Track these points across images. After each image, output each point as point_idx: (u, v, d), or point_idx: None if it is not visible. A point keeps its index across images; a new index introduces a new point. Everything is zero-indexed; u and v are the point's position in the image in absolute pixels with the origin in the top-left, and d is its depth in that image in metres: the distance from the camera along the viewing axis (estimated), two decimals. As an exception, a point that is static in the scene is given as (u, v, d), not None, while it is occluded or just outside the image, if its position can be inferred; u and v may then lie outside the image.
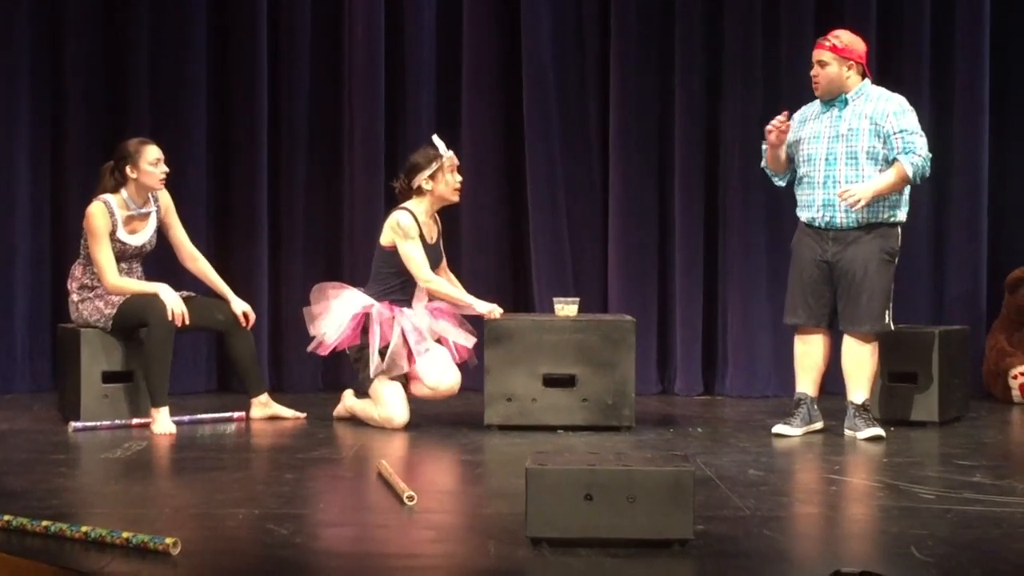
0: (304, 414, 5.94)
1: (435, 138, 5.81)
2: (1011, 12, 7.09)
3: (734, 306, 6.99)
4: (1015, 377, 6.70)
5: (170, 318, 5.51)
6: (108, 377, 5.72)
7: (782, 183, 5.75)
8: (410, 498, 3.98)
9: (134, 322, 5.63)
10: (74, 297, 5.71)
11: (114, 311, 5.63)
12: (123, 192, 5.68)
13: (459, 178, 5.78)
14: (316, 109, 7.07)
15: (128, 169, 5.65)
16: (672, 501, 3.37)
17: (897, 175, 5.34)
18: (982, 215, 7.03)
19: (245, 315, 5.84)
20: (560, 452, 4.35)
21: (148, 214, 5.76)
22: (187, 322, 5.57)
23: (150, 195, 5.76)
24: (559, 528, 3.38)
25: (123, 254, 5.68)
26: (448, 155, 5.74)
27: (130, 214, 5.69)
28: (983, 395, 6.78)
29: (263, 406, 5.89)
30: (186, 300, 5.69)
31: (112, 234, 5.62)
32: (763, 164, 5.78)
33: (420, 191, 5.73)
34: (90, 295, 5.68)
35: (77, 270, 5.73)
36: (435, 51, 7.09)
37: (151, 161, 5.66)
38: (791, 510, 3.95)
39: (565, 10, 7.05)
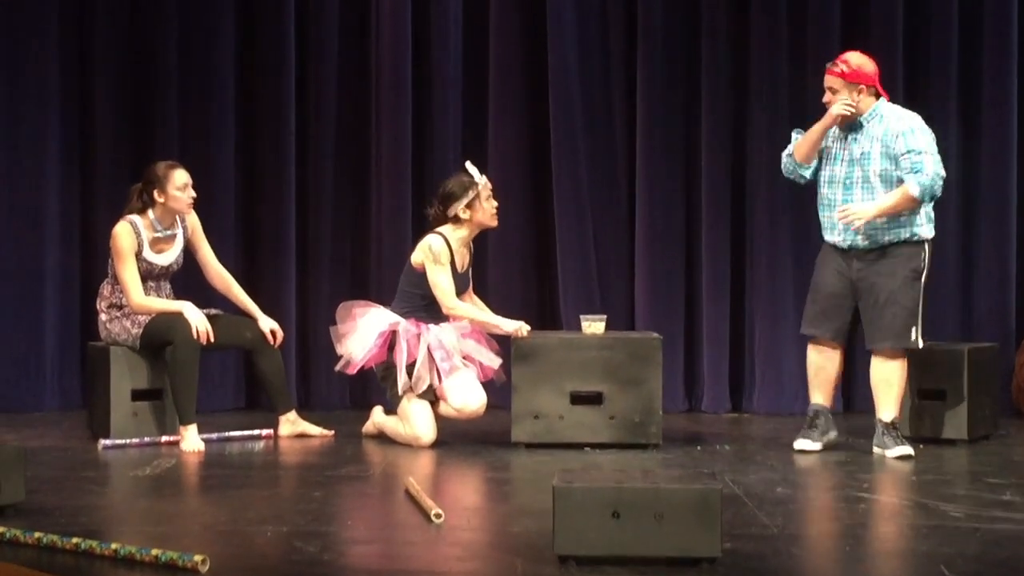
0: (332, 432, 5.95)
1: (469, 165, 5.81)
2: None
3: (761, 323, 6.97)
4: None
5: (195, 336, 5.54)
6: (137, 395, 5.75)
7: (807, 174, 5.69)
8: (437, 515, 3.99)
9: (160, 341, 5.66)
10: (103, 316, 5.75)
11: (141, 330, 5.66)
12: (150, 213, 5.71)
13: (495, 203, 5.79)
14: (343, 128, 7.08)
15: (156, 193, 5.68)
16: (699, 519, 3.36)
17: (902, 195, 5.34)
18: (1011, 231, 6.99)
19: (273, 333, 5.86)
20: (587, 470, 4.36)
21: (174, 235, 5.79)
22: (212, 340, 5.59)
23: (177, 217, 5.79)
24: (586, 546, 3.38)
25: (150, 273, 5.71)
26: (483, 182, 5.75)
27: (156, 235, 5.72)
28: (1012, 412, 6.74)
29: (291, 423, 5.90)
30: (213, 318, 5.71)
31: (138, 254, 5.66)
32: (788, 153, 5.70)
33: (457, 219, 5.74)
34: (118, 314, 5.71)
35: (105, 289, 5.77)
36: (461, 70, 7.10)
37: (179, 186, 5.70)
38: (819, 528, 3.93)
39: (591, 32, 7.05)
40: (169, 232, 5.76)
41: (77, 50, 6.96)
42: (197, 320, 5.58)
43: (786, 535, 3.82)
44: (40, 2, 6.84)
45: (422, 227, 5.91)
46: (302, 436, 5.88)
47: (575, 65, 7.02)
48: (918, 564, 3.51)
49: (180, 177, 5.71)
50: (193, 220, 5.87)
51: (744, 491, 4.51)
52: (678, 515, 3.36)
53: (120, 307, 5.71)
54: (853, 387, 7.04)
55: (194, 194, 5.75)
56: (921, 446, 5.65)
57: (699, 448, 5.68)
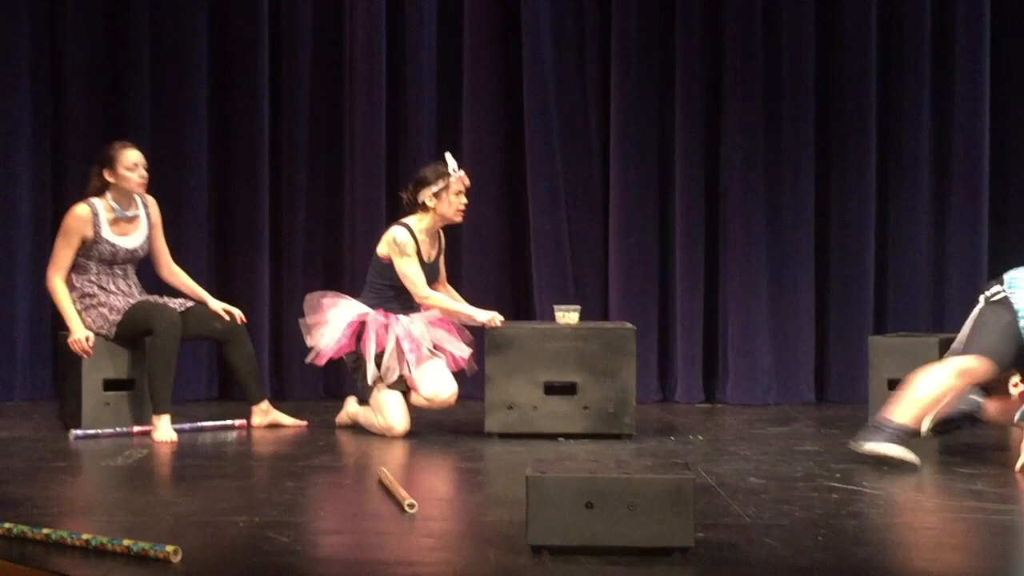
0: (305, 422, 5.93)
1: (448, 156, 5.79)
2: (1011, 21, 7.10)
3: (735, 315, 6.98)
4: (1015, 385, 6.67)
5: (75, 350, 5.54)
6: (109, 385, 5.73)
7: None
8: (411, 506, 3.98)
9: (139, 330, 5.64)
10: (78, 306, 5.71)
11: (120, 317, 5.64)
12: (108, 196, 5.69)
13: (464, 200, 5.76)
14: (317, 120, 7.07)
15: (107, 173, 5.67)
16: (673, 509, 3.36)
17: None
18: (982, 223, 7.03)
19: (227, 312, 5.81)
20: (561, 460, 4.34)
21: (136, 217, 5.76)
22: (90, 354, 5.57)
23: (137, 199, 5.76)
24: (560, 536, 3.38)
25: (115, 257, 5.68)
26: (457, 175, 5.73)
27: (116, 216, 5.69)
28: (983, 403, 6.76)
29: (263, 413, 5.88)
30: (185, 311, 5.70)
31: (97, 237, 5.62)
32: None
33: (424, 207, 5.73)
34: (92, 303, 5.68)
35: (72, 279, 5.73)
36: (435, 60, 7.09)
37: (128, 165, 5.67)
38: (791, 518, 3.94)
39: (566, 24, 7.05)
40: (129, 213, 5.73)
41: (49, 43, 6.93)
42: (80, 338, 5.56)
43: (759, 525, 3.83)
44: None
45: (395, 218, 5.89)
46: (275, 426, 5.86)
47: (549, 57, 7.02)
48: (890, 553, 3.52)
49: (131, 156, 5.69)
50: (156, 213, 5.85)
51: (717, 481, 4.52)
52: (651, 505, 3.36)
53: (93, 295, 5.68)
54: (825, 378, 7.07)
55: (145, 174, 5.72)
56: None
57: (672, 438, 5.69)
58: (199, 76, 6.94)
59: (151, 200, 5.85)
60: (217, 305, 5.84)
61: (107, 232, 5.67)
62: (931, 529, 3.83)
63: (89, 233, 5.64)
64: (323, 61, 7.07)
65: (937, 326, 6.94)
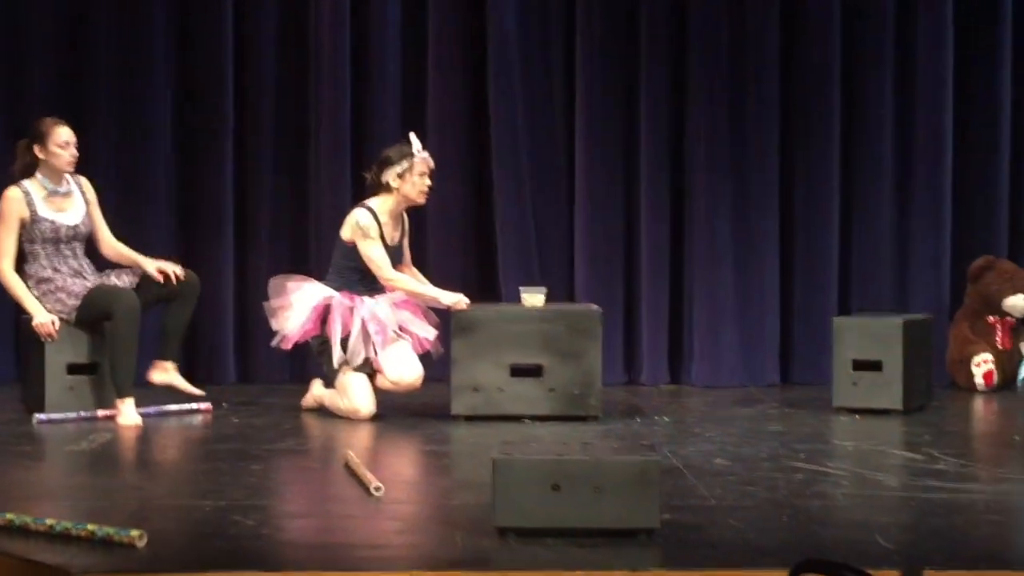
0: (203, 395, 5.86)
1: (412, 136, 5.77)
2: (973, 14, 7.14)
3: (700, 296, 7.00)
4: (978, 365, 6.74)
5: (41, 334, 5.51)
6: (73, 369, 5.69)
7: None
8: (377, 489, 3.98)
9: (99, 313, 5.60)
10: (35, 292, 5.66)
11: (79, 302, 5.60)
12: (38, 175, 5.65)
13: (428, 182, 5.75)
14: (281, 100, 7.01)
15: (36, 148, 5.62)
16: (638, 491, 3.38)
17: None
18: (945, 205, 7.07)
19: (162, 271, 5.75)
20: (527, 442, 4.35)
21: (70, 193, 5.72)
22: (55, 337, 5.54)
23: (68, 177, 5.72)
24: (526, 518, 3.39)
25: (58, 234, 5.63)
26: (422, 156, 5.71)
27: (48, 193, 5.65)
28: (946, 383, 6.82)
29: (164, 371, 5.81)
30: (137, 286, 5.68)
31: (35, 216, 5.59)
32: None
33: (387, 188, 5.71)
34: (49, 288, 5.64)
35: (26, 269, 5.67)
36: (400, 40, 7.05)
37: (60, 143, 5.62)
38: (757, 499, 3.96)
39: (531, 3, 7.03)
40: (61, 189, 5.68)
41: (10, 20, 6.85)
42: (45, 322, 5.52)
43: (724, 506, 3.85)
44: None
45: (360, 200, 5.87)
46: (170, 388, 5.79)
47: (515, 38, 6.99)
48: (853, 533, 3.54)
49: (62, 134, 5.63)
50: (91, 191, 5.81)
51: (683, 463, 4.54)
52: (617, 487, 3.37)
53: (50, 280, 5.64)
54: (790, 359, 7.10)
55: (76, 153, 5.67)
56: (857, 416, 5.72)
57: (638, 420, 5.71)
58: (161, 56, 6.88)
59: (84, 179, 5.81)
60: (151, 268, 5.74)
61: (44, 210, 5.62)
62: (894, 509, 3.85)
63: (26, 213, 5.59)
64: (287, 43, 7.01)
65: (901, 306, 6.98)
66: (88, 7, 6.85)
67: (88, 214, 5.77)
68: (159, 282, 5.71)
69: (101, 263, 5.89)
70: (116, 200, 6.43)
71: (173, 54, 6.94)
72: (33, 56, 6.83)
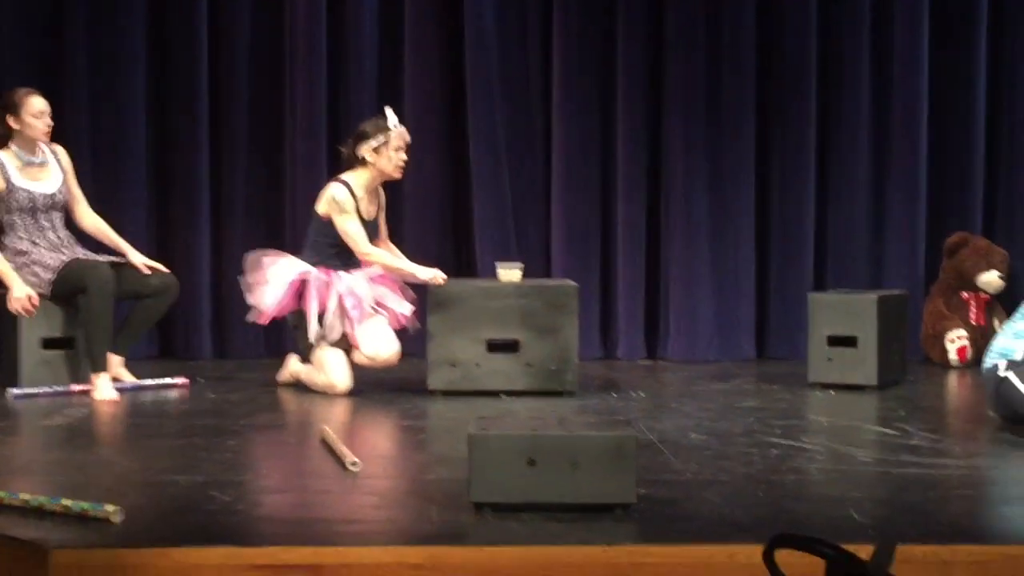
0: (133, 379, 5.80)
1: (388, 110, 5.76)
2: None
3: (676, 272, 7.02)
4: (952, 341, 6.78)
5: (14, 311, 5.48)
6: (48, 343, 5.67)
7: None
8: (353, 464, 3.98)
9: (72, 288, 5.57)
10: (11, 265, 5.63)
11: (54, 276, 5.57)
12: (11, 145, 5.62)
13: (404, 157, 5.73)
14: (257, 74, 6.99)
15: (11, 119, 5.59)
16: (614, 466, 3.38)
17: None
18: (920, 182, 7.09)
19: (148, 266, 5.74)
20: (503, 417, 4.36)
21: (45, 163, 5.69)
22: (32, 312, 5.51)
23: (44, 148, 5.69)
24: (502, 493, 3.39)
25: (34, 203, 5.61)
26: (397, 130, 5.69)
27: (23, 163, 5.62)
28: (921, 359, 6.86)
29: (117, 365, 5.74)
30: (119, 266, 5.65)
31: (9, 184, 5.56)
32: None
33: (363, 162, 5.69)
34: (26, 260, 5.61)
35: (3, 240, 5.64)
36: (377, 14, 7.03)
37: (34, 113, 5.60)
38: (732, 473, 3.98)
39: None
40: (36, 159, 5.65)
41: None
42: (21, 296, 5.48)
43: (700, 481, 3.86)
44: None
45: (336, 174, 5.85)
46: (115, 379, 5.71)
47: (491, 12, 6.98)
48: (828, 508, 3.56)
49: (37, 104, 5.61)
50: (67, 160, 5.79)
51: (658, 438, 4.55)
52: (593, 462, 3.38)
53: (26, 252, 5.61)
54: (766, 335, 7.13)
55: (51, 122, 5.65)
56: (832, 392, 5.74)
57: (614, 395, 5.72)
58: (135, 30, 6.84)
59: (59, 148, 5.79)
60: (139, 260, 5.74)
61: (18, 179, 5.59)
62: (868, 484, 3.87)
63: (1, 184, 5.56)
64: (263, 15, 6.98)
65: (875, 283, 7.01)
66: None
67: (65, 183, 5.74)
68: (143, 274, 5.69)
69: (88, 243, 5.84)
70: (92, 179, 6.40)
71: (148, 31, 6.90)
72: (8, 35, 6.78)
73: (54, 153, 5.75)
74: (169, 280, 5.77)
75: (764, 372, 6.49)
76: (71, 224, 5.84)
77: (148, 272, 5.71)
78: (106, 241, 5.82)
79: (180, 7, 6.89)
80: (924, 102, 7.07)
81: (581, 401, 5.51)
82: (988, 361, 4.79)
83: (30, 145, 5.64)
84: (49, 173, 5.70)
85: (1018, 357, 4.67)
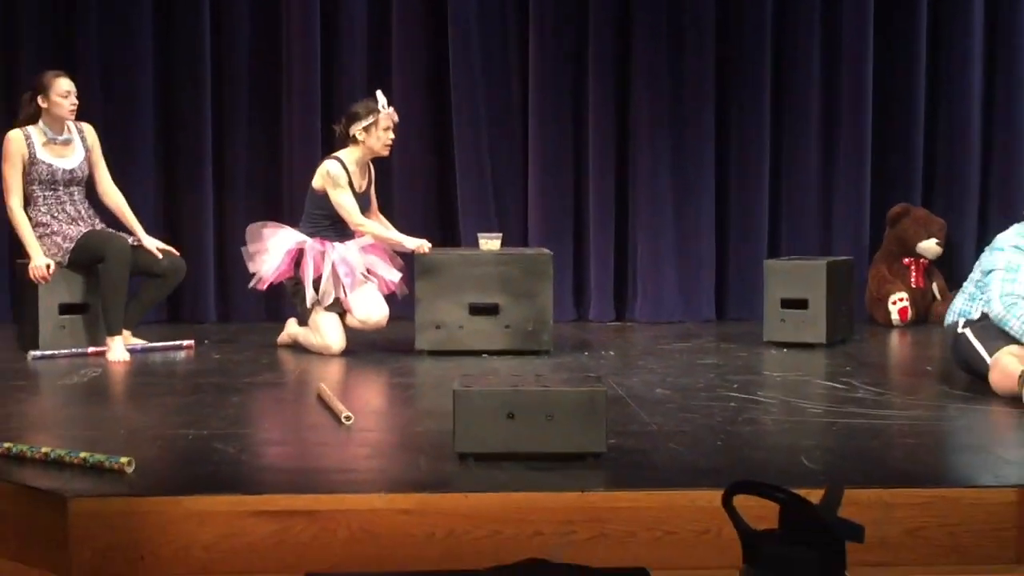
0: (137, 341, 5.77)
1: (378, 93, 5.73)
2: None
3: (643, 240, 7.02)
4: (894, 303, 6.80)
5: (32, 278, 5.45)
6: (65, 309, 5.64)
7: None
8: (347, 418, 3.98)
9: (91, 257, 5.54)
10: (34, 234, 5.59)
11: (72, 245, 5.54)
12: (40, 122, 5.58)
13: (392, 136, 5.71)
14: (255, 58, 6.95)
15: (40, 99, 5.56)
16: (586, 418, 3.39)
17: None
18: (866, 157, 7.10)
19: (160, 249, 5.70)
20: (485, 375, 4.36)
21: (70, 141, 5.64)
22: (48, 280, 5.49)
23: (71, 126, 5.65)
24: (484, 444, 3.39)
25: (54, 177, 5.56)
26: (386, 111, 5.67)
27: (48, 139, 5.58)
28: (866, 319, 6.89)
29: (126, 339, 5.67)
30: (135, 247, 5.61)
31: (33, 157, 5.52)
32: None
33: (354, 140, 5.67)
34: (46, 231, 5.58)
35: (27, 208, 5.60)
36: (366, 3, 6.99)
37: (61, 93, 5.56)
38: (693, 425, 3.99)
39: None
40: (61, 137, 5.61)
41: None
42: (40, 266, 5.46)
43: (665, 431, 3.87)
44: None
45: (330, 152, 5.83)
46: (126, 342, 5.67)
47: (474, 4, 6.94)
48: (782, 455, 3.58)
49: (63, 84, 5.57)
50: (93, 137, 5.73)
51: (627, 392, 4.56)
52: (567, 415, 3.38)
53: (47, 224, 5.58)
54: (725, 298, 7.14)
55: (76, 102, 5.61)
56: (785, 350, 5.76)
57: (586, 354, 5.73)
58: (143, 14, 6.79)
59: (86, 126, 5.74)
60: (151, 244, 5.70)
61: (42, 153, 5.56)
62: (818, 433, 3.89)
63: (25, 152, 5.52)
64: (260, 5, 6.93)
65: (824, 251, 7.03)
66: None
67: (87, 159, 5.70)
68: (154, 257, 5.64)
69: (107, 220, 5.79)
70: (104, 156, 6.35)
71: (155, 16, 6.85)
72: (26, 19, 6.72)
73: (80, 131, 5.70)
74: (178, 262, 5.74)
75: (723, 332, 6.50)
76: (93, 199, 5.79)
77: (159, 255, 5.67)
78: (122, 220, 5.77)
79: (184, 2, 6.82)
80: (869, 87, 7.07)
81: (556, 360, 5.51)
82: (949, 319, 4.83)
83: (57, 123, 5.60)
84: (72, 150, 5.66)
85: (975, 317, 4.70)
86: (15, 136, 5.54)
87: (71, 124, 5.65)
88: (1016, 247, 4.60)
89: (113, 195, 5.80)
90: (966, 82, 7.12)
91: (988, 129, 7.20)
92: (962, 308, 4.77)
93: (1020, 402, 4.28)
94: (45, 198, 5.59)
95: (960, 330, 4.71)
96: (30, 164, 5.54)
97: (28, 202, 5.59)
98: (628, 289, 7.11)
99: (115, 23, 6.78)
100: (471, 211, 6.98)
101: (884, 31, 7.11)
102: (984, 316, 4.65)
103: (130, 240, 5.64)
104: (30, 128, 5.58)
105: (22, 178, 5.54)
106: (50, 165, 5.56)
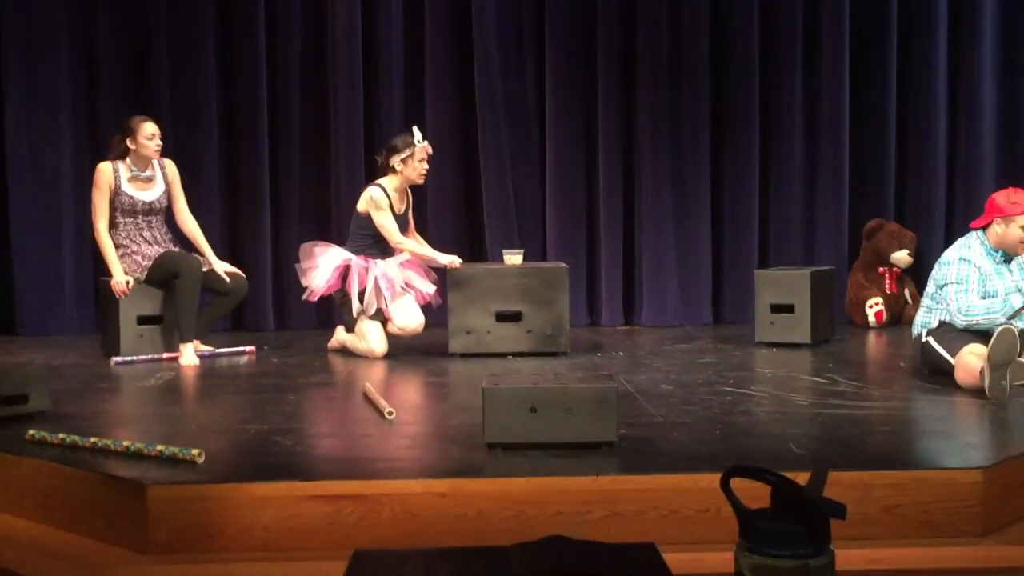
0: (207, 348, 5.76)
1: (415, 129, 5.75)
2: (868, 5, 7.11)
3: (648, 254, 7.01)
4: (871, 307, 6.77)
5: (115, 292, 5.50)
6: (142, 320, 5.67)
7: None
8: (390, 413, 3.98)
9: (167, 274, 5.58)
10: (116, 253, 5.62)
11: (149, 264, 5.58)
12: (128, 159, 5.61)
13: (426, 167, 5.72)
14: (306, 100, 6.98)
15: (129, 141, 5.59)
16: (600, 411, 3.39)
17: None
18: (844, 178, 7.08)
19: (227, 273, 5.73)
20: (510, 374, 4.36)
21: (152, 177, 5.67)
22: (127, 295, 5.52)
23: (155, 163, 5.67)
24: (510, 435, 3.40)
25: (134, 207, 5.60)
26: (422, 145, 5.68)
27: (133, 175, 5.61)
28: (846, 322, 6.86)
29: (196, 346, 5.69)
30: (208, 271, 5.64)
31: (118, 190, 5.56)
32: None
33: (394, 169, 5.69)
34: (127, 252, 5.62)
35: (111, 231, 5.64)
36: (402, 52, 7.01)
37: (147, 136, 5.59)
38: (694, 416, 3.98)
39: (506, 20, 6.98)
40: (145, 174, 5.64)
41: (84, 39, 6.78)
42: (120, 282, 5.50)
43: (669, 422, 3.86)
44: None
45: (372, 180, 5.85)
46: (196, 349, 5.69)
47: (495, 50, 6.96)
48: (773, 442, 3.56)
49: (149, 128, 5.61)
50: (173, 171, 5.75)
51: (635, 388, 4.55)
52: (583, 409, 3.38)
53: (126, 247, 5.61)
54: (720, 304, 7.13)
55: (160, 143, 5.64)
56: (774, 349, 5.74)
57: (599, 355, 5.72)
58: (208, 74, 6.83)
59: (168, 162, 5.76)
60: (220, 268, 5.71)
61: (126, 187, 5.59)
62: (804, 423, 3.88)
63: (112, 183, 5.56)
64: (310, 54, 6.97)
65: (808, 261, 7.01)
66: (149, 40, 6.77)
67: (166, 192, 5.72)
68: (222, 279, 5.67)
69: (183, 245, 5.80)
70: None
71: (219, 65, 6.89)
72: (106, 68, 6.79)
73: (162, 167, 5.72)
74: (241, 282, 5.75)
75: (719, 334, 6.49)
76: (172, 226, 5.82)
77: (227, 280, 5.70)
78: (196, 245, 5.79)
79: (245, 55, 6.84)
80: (846, 115, 7.05)
81: (572, 360, 5.51)
82: (914, 331, 4.85)
83: (143, 161, 5.63)
84: (153, 184, 5.68)
85: (935, 325, 4.70)
86: (105, 167, 5.58)
87: (155, 161, 5.69)
88: (961, 259, 4.63)
89: (189, 224, 5.82)
90: (932, 114, 7.09)
91: (952, 154, 7.17)
92: (923, 320, 4.78)
93: (982, 394, 4.26)
94: (126, 224, 5.63)
95: (924, 339, 4.72)
96: (115, 194, 5.58)
97: (112, 226, 5.63)
98: (635, 297, 7.11)
99: (185, 73, 6.81)
100: (496, 230, 6.99)
101: (859, 69, 7.09)
102: (942, 324, 4.66)
103: (201, 262, 5.66)
104: (119, 162, 5.61)
105: (108, 205, 5.59)
106: (132, 197, 5.59)
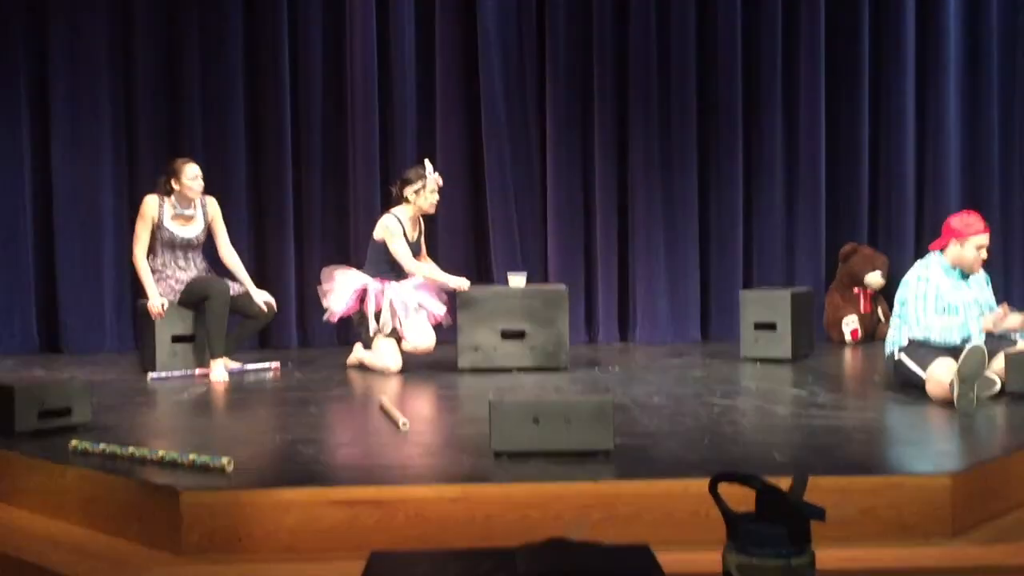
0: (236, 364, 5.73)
1: (427, 162, 5.77)
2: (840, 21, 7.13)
3: (641, 276, 7.01)
4: (847, 325, 6.76)
5: (151, 313, 5.50)
6: (176, 339, 5.67)
7: None
8: (404, 424, 3.98)
9: (198, 297, 5.58)
10: (152, 278, 5.62)
11: (182, 287, 5.59)
12: (172, 197, 5.62)
13: (437, 197, 5.73)
14: (327, 136, 6.99)
15: (173, 182, 5.60)
16: (598, 422, 3.39)
17: None
18: (821, 205, 7.08)
19: (267, 303, 5.74)
20: (514, 388, 4.36)
21: (193, 216, 5.68)
22: (163, 316, 5.51)
23: (197, 201, 5.69)
24: (515, 444, 3.39)
25: (173, 242, 5.60)
26: (432, 177, 5.69)
27: (176, 213, 5.62)
28: (824, 339, 6.85)
29: (224, 364, 5.64)
30: (240, 296, 5.64)
31: (160, 223, 5.57)
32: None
33: (407, 200, 5.70)
34: (162, 276, 5.62)
35: (149, 260, 5.65)
36: (415, 89, 7.03)
37: (191, 177, 5.60)
38: (685, 426, 3.97)
39: (510, 58, 7.00)
40: (187, 211, 5.65)
41: (123, 81, 6.80)
42: (155, 305, 5.50)
43: (662, 432, 3.86)
44: (93, 34, 6.68)
45: (387, 209, 5.85)
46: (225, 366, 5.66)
47: (500, 87, 6.97)
48: (757, 451, 3.56)
49: (191, 170, 5.62)
50: (214, 209, 5.76)
51: (630, 400, 4.55)
52: (582, 419, 3.38)
53: (161, 271, 5.62)
54: (708, 322, 7.11)
55: (202, 183, 5.65)
56: (758, 364, 5.73)
57: (596, 369, 5.71)
58: (237, 103, 6.86)
59: (210, 200, 5.76)
60: (259, 298, 5.70)
61: (168, 223, 5.60)
62: (786, 432, 3.87)
63: (156, 216, 5.57)
64: (331, 97, 6.98)
65: (789, 282, 7.00)
66: (182, 88, 6.78)
67: (205, 229, 5.71)
68: (251, 303, 5.66)
69: (223, 275, 5.79)
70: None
71: (245, 104, 6.91)
72: (143, 104, 6.81)
73: (204, 205, 5.71)
74: (271, 310, 5.75)
75: (707, 350, 6.48)
76: (208, 257, 5.80)
77: (265, 310, 5.68)
78: (237, 276, 5.76)
79: (269, 92, 6.86)
80: (822, 148, 7.05)
81: (572, 375, 5.50)
82: (887, 350, 4.85)
83: (186, 200, 5.63)
84: (194, 221, 5.68)
85: (904, 343, 4.71)
86: (152, 201, 5.58)
87: (197, 200, 5.70)
88: (919, 278, 4.67)
89: (230, 257, 5.80)
90: (902, 145, 7.10)
91: (920, 181, 7.17)
92: (893, 338, 4.79)
93: (951, 405, 4.25)
94: (163, 253, 5.64)
95: (896, 357, 4.72)
96: (157, 227, 5.58)
97: (151, 252, 5.63)
98: (629, 317, 7.09)
99: (214, 113, 6.82)
100: (501, 254, 6.98)
101: (834, 103, 7.09)
102: (911, 341, 4.66)
103: (235, 287, 5.65)
104: (165, 198, 5.61)
105: (149, 235, 5.59)
106: (172, 233, 5.60)
